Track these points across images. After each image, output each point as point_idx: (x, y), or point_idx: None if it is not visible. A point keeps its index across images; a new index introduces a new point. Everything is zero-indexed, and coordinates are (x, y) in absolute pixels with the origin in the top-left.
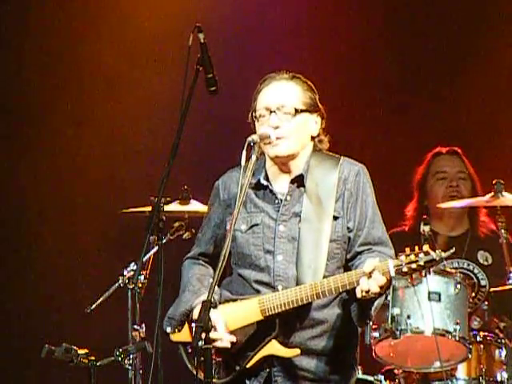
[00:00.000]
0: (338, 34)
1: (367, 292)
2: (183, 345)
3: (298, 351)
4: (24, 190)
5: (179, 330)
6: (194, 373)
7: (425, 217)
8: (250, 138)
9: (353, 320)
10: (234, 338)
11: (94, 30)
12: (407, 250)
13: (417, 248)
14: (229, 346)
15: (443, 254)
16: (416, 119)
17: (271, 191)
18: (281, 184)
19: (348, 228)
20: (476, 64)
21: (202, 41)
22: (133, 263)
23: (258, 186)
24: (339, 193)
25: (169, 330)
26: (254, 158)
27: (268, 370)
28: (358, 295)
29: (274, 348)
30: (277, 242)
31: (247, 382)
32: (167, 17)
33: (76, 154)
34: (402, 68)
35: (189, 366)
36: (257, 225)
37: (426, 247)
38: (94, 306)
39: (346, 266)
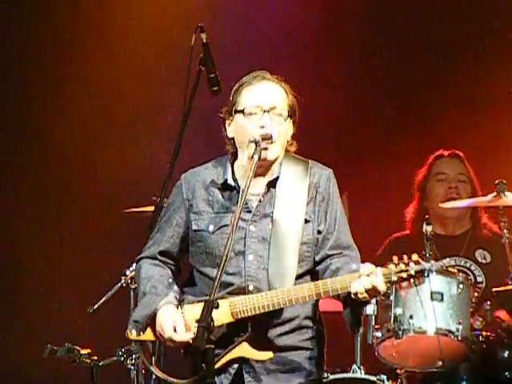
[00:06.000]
0: (340, 35)
1: (361, 293)
2: (142, 344)
3: (270, 354)
4: (28, 190)
5: (143, 333)
6: (154, 372)
7: (427, 217)
8: (251, 138)
9: (319, 316)
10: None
11: (94, 30)
12: (395, 258)
13: (405, 257)
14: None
15: (434, 266)
16: (418, 120)
17: (238, 192)
18: (254, 185)
19: (319, 231)
20: (477, 64)
21: (205, 41)
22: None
23: (224, 187)
24: (310, 196)
25: (134, 333)
26: (255, 157)
27: (237, 364)
28: (353, 291)
29: (244, 350)
30: (247, 242)
31: (216, 378)
32: (169, 17)
33: (79, 154)
34: (403, 69)
35: (148, 366)
36: (226, 225)
37: (415, 256)
38: (96, 305)
39: (314, 269)
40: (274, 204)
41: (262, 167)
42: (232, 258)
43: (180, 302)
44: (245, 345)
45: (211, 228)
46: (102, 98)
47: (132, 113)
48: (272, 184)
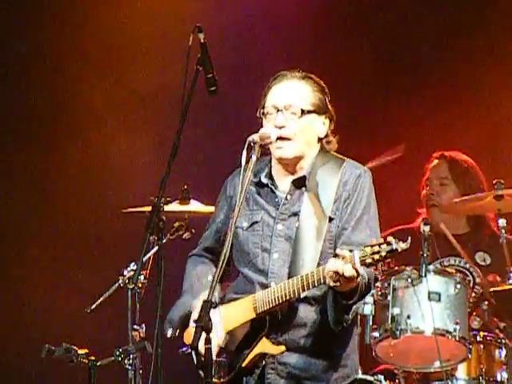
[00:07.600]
0: (338, 35)
1: (336, 275)
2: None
3: (283, 348)
4: (24, 190)
5: (179, 332)
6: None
7: (425, 217)
8: (250, 138)
9: (353, 317)
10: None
11: (93, 30)
12: (373, 240)
13: (382, 239)
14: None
15: (402, 245)
16: (418, 120)
17: (272, 190)
18: (284, 183)
19: (339, 227)
20: (477, 64)
21: (202, 41)
22: (133, 263)
23: (260, 184)
24: (338, 195)
25: (169, 332)
26: (254, 157)
27: (261, 367)
28: (329, 283)
29: (264, 345)
30: (274, 240)
31: (244, 379)
32: (166, 17)
33: (77, 154)
34: (403, 68)
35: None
36: (256, 222)
37: (389, 238)
38: (94, 305)
39: None
40: (302, 202)
41: (289, 166)
42: (258, 256)
43: (221, 299)
44: (264, 340)
45: (245, 225)
46: (100, 97)
47: (130, 112)
48: (300, 182)
